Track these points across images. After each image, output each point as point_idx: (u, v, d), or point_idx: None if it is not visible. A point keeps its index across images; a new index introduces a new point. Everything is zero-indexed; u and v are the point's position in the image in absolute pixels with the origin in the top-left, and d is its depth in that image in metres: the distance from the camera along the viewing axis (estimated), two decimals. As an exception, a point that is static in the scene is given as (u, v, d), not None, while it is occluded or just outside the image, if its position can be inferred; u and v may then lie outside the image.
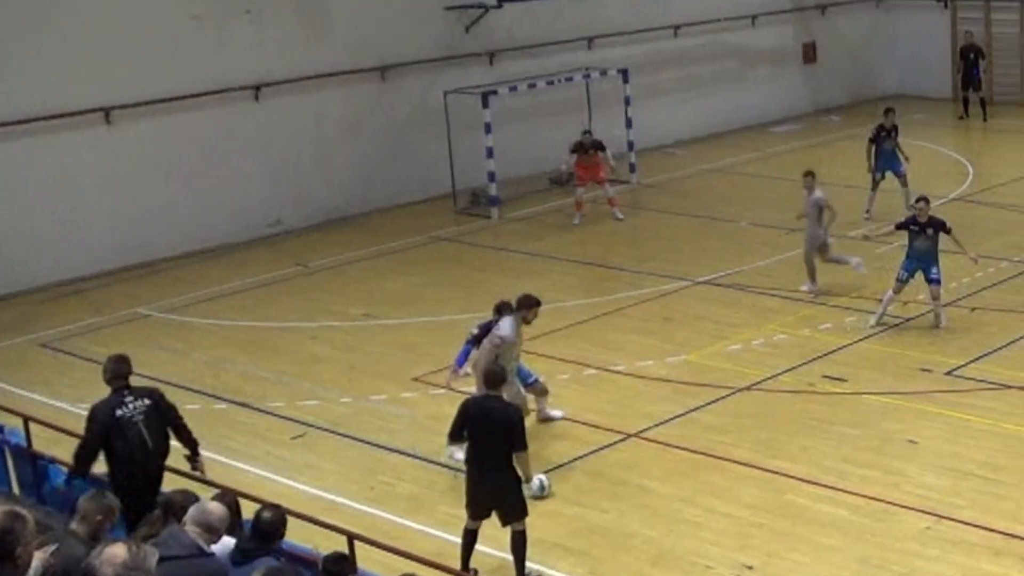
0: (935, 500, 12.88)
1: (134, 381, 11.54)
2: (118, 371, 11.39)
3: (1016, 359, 16.53)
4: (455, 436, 11.86)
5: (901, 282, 17.83)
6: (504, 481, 11.50)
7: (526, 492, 11.95)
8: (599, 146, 24.09)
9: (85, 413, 15.48)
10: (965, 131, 29.95)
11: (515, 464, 11.50)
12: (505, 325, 13.88)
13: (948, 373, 16.14)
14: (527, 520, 11.58)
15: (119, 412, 11.15)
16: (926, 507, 12.74)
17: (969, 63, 32.18)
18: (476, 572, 11.65)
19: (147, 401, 11.36)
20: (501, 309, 14.57)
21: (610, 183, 24.39)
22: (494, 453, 11.45)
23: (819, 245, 19.24)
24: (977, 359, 16.53)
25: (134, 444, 11.06)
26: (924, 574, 11.59)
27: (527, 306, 14.11)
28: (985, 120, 31.82)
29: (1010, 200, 23.94)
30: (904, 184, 23.22)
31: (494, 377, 11.88)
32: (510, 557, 11.65)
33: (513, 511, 11.55)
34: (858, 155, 24.04)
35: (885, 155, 23.48)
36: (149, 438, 11.22)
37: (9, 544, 5.83)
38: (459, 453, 12.77)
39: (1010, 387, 15.62)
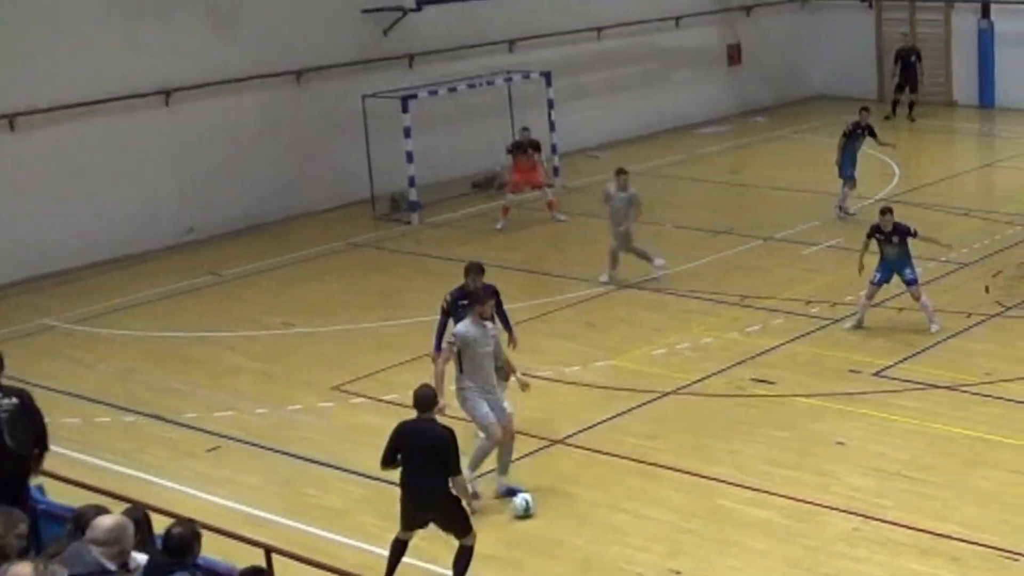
0: (862, 501, 13.07)
1: (41, 393, 11.44)
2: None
3: (942, 359, 16.81)
4: (388, 461, 11.62)
5: (874, 285, 17.84)
6: (440, 496, 11.46)
7: (511, 510, 12.63)
8: (537, 146, 24.25)
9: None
10: (892, 131, 30.24)
11: (451, 489, 11.46)
12: (460, 324, 13.51)
13: (876, 374, 16.37)
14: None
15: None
16: (854, 508, 12.92)
17: (907, 65, 32.47)
18: None
19: (14, 400, 11.39)
20: (470, 270, 14.86)
21: (548, 185, 24.62)
22: (429, 474, 11.39)
23: (625, 238, 20.15)
24: (904, 360, 16.78)
25: None
26: (852, 575, 11.75)
27: (477, 301, 13.54)
28: (913, 120, 32.26)
29: (936, 200, 24.32)
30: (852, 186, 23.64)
31: (424, 400, 11.64)
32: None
33: (454, 526, 11.53)
34: (783, 156, 24.68)
35: (853, 155, 23.77)
36: (9, 437, 11.23)
37: None
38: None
39: (937, 387, 15.88)
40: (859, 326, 17.93)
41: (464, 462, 11.92)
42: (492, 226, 24.23)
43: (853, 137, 23.81)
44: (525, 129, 24.78)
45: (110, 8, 23.32)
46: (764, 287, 19.83)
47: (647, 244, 20.64)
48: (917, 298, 17.79)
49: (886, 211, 18.06)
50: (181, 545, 9.05)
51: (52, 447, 14.65)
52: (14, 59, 21.99)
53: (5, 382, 11.50)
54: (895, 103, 32.68)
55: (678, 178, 27.89)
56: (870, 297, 17.93)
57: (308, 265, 22.29)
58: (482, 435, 13.48)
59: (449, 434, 11.52)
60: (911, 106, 32.39)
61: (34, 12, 22.33)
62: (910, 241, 17.77)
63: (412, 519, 11.62)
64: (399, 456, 11.58)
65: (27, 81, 22.14)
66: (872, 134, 23.86)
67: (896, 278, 17.83)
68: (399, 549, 11.70)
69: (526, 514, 13.09)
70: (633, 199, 20.27)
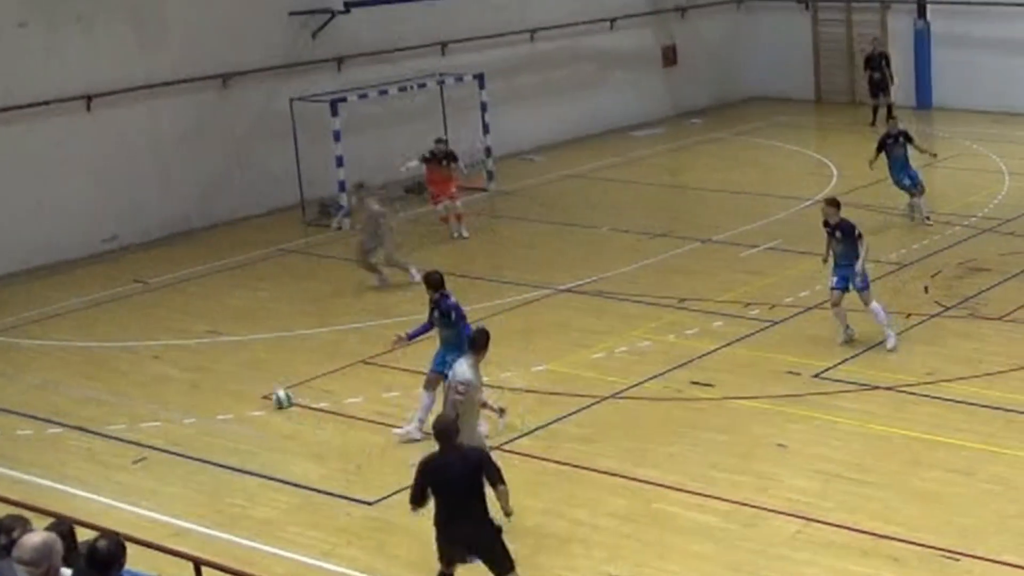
0: (804, 503, 13.12)
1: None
2: None
3: (881, 360, 16.91)
4: (418, 499, 11.02)
5: (834, 290, 17.39)
6: (480, 531, 11.01)
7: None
8: (452, 157, 24.03)
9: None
10: (840, 134, 30.40)
11: (498, 498, 11.02)
12: (464, 369, 12.60)
13: (815, 376, 16.45)
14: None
15: None
16: (795, 511, 12.96)
17: (878, 69, 32.17)
18: None
19: None
20: (431, 281, 14.98)
21: (460, 194, 24.29)
22: (464, 506, 10.94)
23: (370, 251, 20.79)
24: (843, 361, 16.87)
25: None
26: (795, 578, 11.81)
27: (482, 346, 12.83)
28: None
29: (874, 200, 24.46)
30: (919, 192, 23.23)
31: (444, 433, 11.06)
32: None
33: (494, 561, 11.08)
34: (720, 158, 24.74)
35: (899, 162, 23.33)
36: None
37: None
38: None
39: (876, 387, 15.98)
40: (850, 339, 17.45)
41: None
42: (427, 231, 24.13)
43: (889, 147, 23.30)
44: (440, 140, 24.46)
45: (30, 13, 23.06)
46: (702, 290, 19.90)
47: (587, 247, 20.54)
48: (867, 303, 17.42)
49: (830, 202, 17.77)
50: (106, 559, 8.95)
51: (-29, 461, 14.69)
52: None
53: None
54: (875, 109, 31.95)
55: (614, 181, 27.96)
56: (836, 304, 17.49)
57: (237, 272, 22.14)
58: None
59: (482, 455, 11.28)
60: (889, 109, 31.77)
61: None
62: (859, 243, 17.50)
63: (452, 556, 11.15)
64: (428, 491, 10.99)
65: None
66: (908, 139, 23.40)
67: None
68: None
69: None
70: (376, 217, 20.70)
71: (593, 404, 15.90)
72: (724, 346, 17.62)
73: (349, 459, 14.67)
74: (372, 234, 20.77)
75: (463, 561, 11.20)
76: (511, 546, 11.15)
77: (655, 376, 16.66)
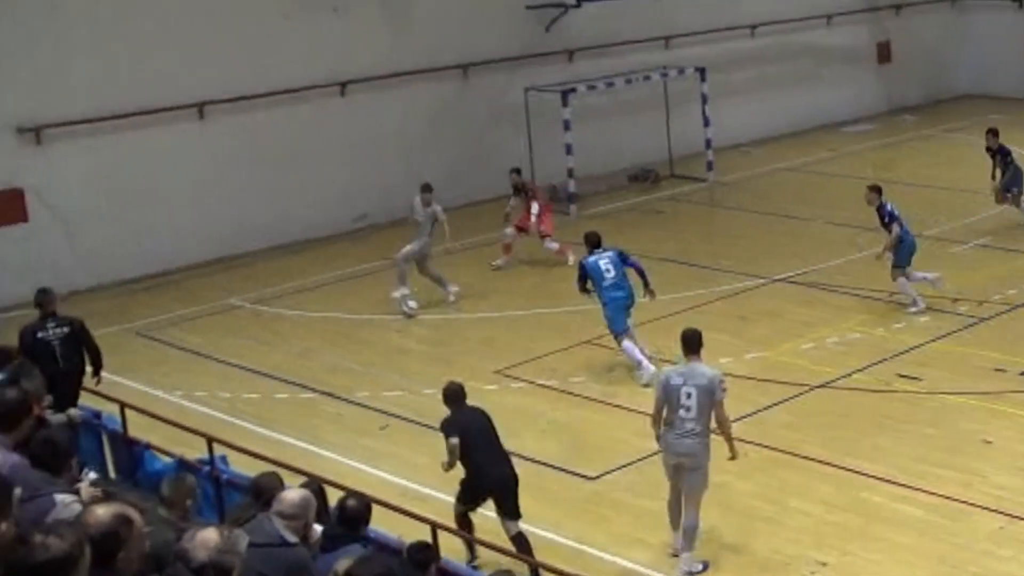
0: (1009, 500, 12.75)
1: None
2: (40, 300, 13.54)
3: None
4: (453, 463, 11.78)
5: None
6: (509, 475, 11.74)
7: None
8: (525, 190, 21.87)
9: (179, 401, 15.91)
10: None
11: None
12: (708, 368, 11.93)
13: (1022, 373, 15.92)
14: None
15: (40, 335, 13.19)
16: (1000, 507, 12.61)
17: None
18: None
19: (66, 328, 13.32)
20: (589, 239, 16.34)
21: (539, 226, 21.73)
22: (497, 449, 11.81)
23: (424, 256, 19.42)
24: (1052, 360, 16.32)
25: (46, 361, 12.65)
26: (997, 574, 11.48)
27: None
28: None
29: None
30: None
31: (456, 395, 12.06)
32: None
33: (511, 506, 11.66)
34: (931, 154, 24.06)
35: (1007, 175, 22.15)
36: (60, 358, 13.07)
37: (113, 546, 5.47)
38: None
39: (1085, 387, 15.42)
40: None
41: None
42: (645, 219, 24.06)
43: (996, 162, 22.31)
44: (515, 171, 22.16)
45: (292, 4, 23.68)
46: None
47: (800, 239, 20.19)
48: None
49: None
50: (355, 517, 9.19)
51: (235, 420, 15.27)
52: (203, 53, 22.49)
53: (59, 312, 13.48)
54: None
55: (827, 175, 27.44)
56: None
57: (472, 253, 22.39)
58: None
59: (484, 411, 12.15)
60: None
61: (219, 10, 22.80)
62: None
63: (477, 498, 11.83)
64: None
65: (214, 73, 22.64)
66: (993, 156, 22.22)
67: None
68: (469, 522, 11.80)
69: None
70: (435, 215, 19.31)
71: (803, 393, 15.70)
72: (932, 341, 17.19)
73: (576, 436, 14.78)
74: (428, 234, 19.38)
75: (485, 499, 11.80)
76: (722, 527, 11.15)
77: (863, 368, 16.34)
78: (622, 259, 16.78)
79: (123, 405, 12.97)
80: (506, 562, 10.42)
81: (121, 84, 21.59)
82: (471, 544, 11.66)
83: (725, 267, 20.89)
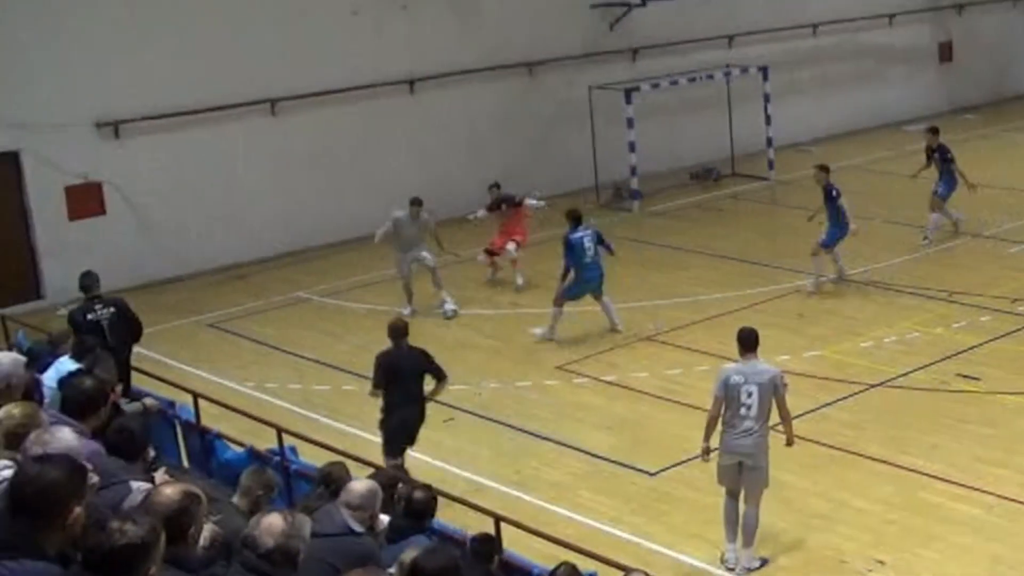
0: (1068, 502, 12.60)
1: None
2: (87, 283, 13.91)
3: None
4: (377, 385, 13.06)
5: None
6: (415, 416, 13.14)
7: None
8: (509, 200, 21.06)
9: (252, 392, 16.04)
10: None
11: (435, 391, 13.32)
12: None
13: (1084, 374, 15.73)
14: None
15: (89, 316, 13.52)
16: (1060, 509, 12.46)
17: None
18: None
19: (112, 308, 13.62)
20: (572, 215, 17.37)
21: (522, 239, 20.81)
22: (412, 392, 13.14)
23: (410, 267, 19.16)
24: (1112, 362, 16.07)
25: (97, 341, 12.77)
26: (1056, 576, 11.36)
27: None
28: None
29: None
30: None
31: (397, 331, 13.19)
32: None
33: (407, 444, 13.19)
34: (992, 154, 23.69)
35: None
36: (110, 336, 13.34)
37: (184, 523, 5.73)
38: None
39: None
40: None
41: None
42: (706, 216, 23.94)
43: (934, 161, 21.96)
44: (492, 186, 21.48)
45: (361, 2, 23.77)
46: (971, 284, 19.19)
47: (860, 237, 19.96)
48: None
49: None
50: (422, 509, 9.24)
51: (305, 412, 15.38)
52: (275, 49, 22.66)
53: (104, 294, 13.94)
54: None
55: (887, 174, 27.17)
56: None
57: (536, 249, 22.28)
58: None
59: (425, 353, 13.32)
60: None
61: (290, 7, 22.95)
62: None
63: (401, 444, 13.03)
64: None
65: (286, 70, 22.79)
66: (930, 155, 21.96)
67: None
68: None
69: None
70: (425, 225, 19.12)
71: (861, 391, 15.57)
72: (991, 340, 16.97)
73: (636, 431, 14.76)
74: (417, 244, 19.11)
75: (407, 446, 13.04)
76: (780, 524, 11.09)
77: (922, 367, 16.17)
78: (599, 239, 17.69)
79: (196, 395, 13.11)
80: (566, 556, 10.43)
81: (196, 80, 21.80)
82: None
83: (784, 265, 20.74)
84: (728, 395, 11.47)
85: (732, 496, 11.65)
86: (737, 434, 11.46)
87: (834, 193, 19.39)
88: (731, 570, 11.58)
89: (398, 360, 13.05)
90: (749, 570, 11.58)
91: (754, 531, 11.61)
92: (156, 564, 5.03)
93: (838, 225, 19.32)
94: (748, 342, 11.68)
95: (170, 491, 5.86)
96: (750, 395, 11.35)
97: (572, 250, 17.45)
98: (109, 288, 20.31)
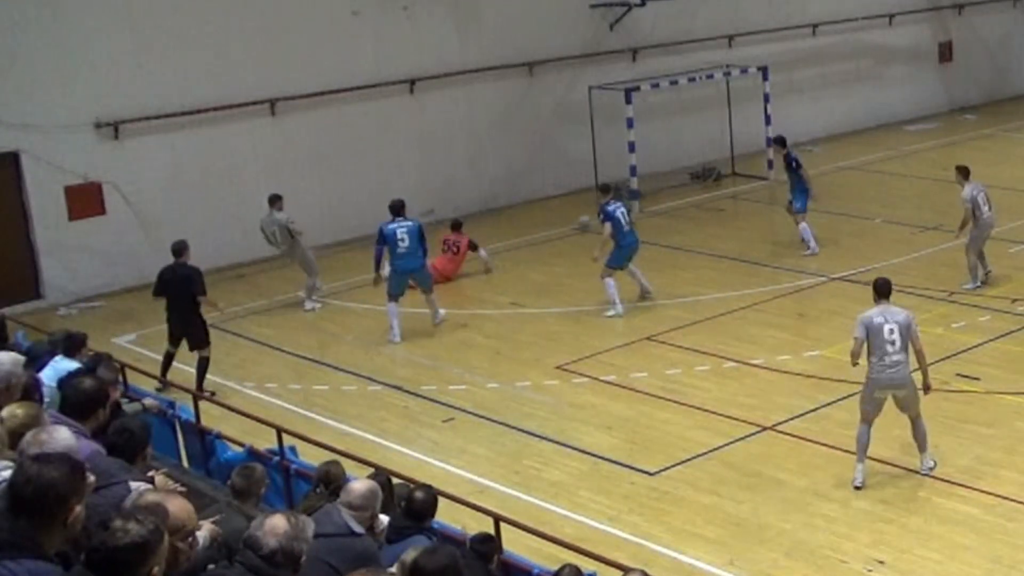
0: (1068, 502, 12.59)
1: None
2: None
3: None
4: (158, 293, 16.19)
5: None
6: (191, 320, 15.86)
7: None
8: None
9: (251, 392, 16.02)
10: None
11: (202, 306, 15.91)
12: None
13: (1082, 375, 15.72)
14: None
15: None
16: (1060, 509, 12.45)
17: None
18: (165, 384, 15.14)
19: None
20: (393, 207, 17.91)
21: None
22: (185, 302, 15.82)
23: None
24: (1112, 361, 16.06)
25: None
26: (1055, 575, 11.35)
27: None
28: None
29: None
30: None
31: (178, 250, 16.13)
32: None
33: (198, 341, 15.93)
34: (991, 154, 23.68)
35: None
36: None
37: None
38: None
39: None
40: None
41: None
42: (708, 216, 23.90)
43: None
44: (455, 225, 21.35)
45: (362, 1, 23.77)
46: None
47: (860, 237, 19.98)
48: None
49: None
50: (422, 509, 9.21)
51: (304, 412, 15.41)
52: (275, 50, 22.66)
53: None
54: None
55: (887, 173, 27.19)
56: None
57: (537, 248, 22.42)
58: None
59: (194, 271, 15.91)
60: None
61: (291, 7, 22.94)
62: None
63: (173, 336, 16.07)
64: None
65: (286, 70, 22.78)
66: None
67: None
68: (168, 359, 16.05)
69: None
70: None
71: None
72: (991, 340, 16.96)
73: (635, 431, 14.76)
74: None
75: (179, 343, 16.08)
76: (780, 524, 11.07)
77: (923, 367, 16.15)
78: (420, 234, 18.02)
79: (196, 395, 13.10)
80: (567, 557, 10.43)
81: (196, 80, 21.79)
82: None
83: (785, 265, 20.75)
84: (871, 335, 12.98)
85: (868, 423, 13.06)
86: (887, 368, 12.92)
87: (795, 164, 21.05)
88: (858, 488, 12.87)
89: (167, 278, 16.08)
90: (931, 468, 13.11)
91: (925, 435, 13.18)
92: (159, 563, 5.03)
93: (804, 191, 21.11)
94: (884, 288, 13.38)
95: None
96: (892, 331, 12.93)
97: (386, 240, 17.92)
98: (109, 288, 20.42)
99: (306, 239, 19.56)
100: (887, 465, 13.52)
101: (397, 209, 18.15)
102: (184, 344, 16.10)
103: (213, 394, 15.40)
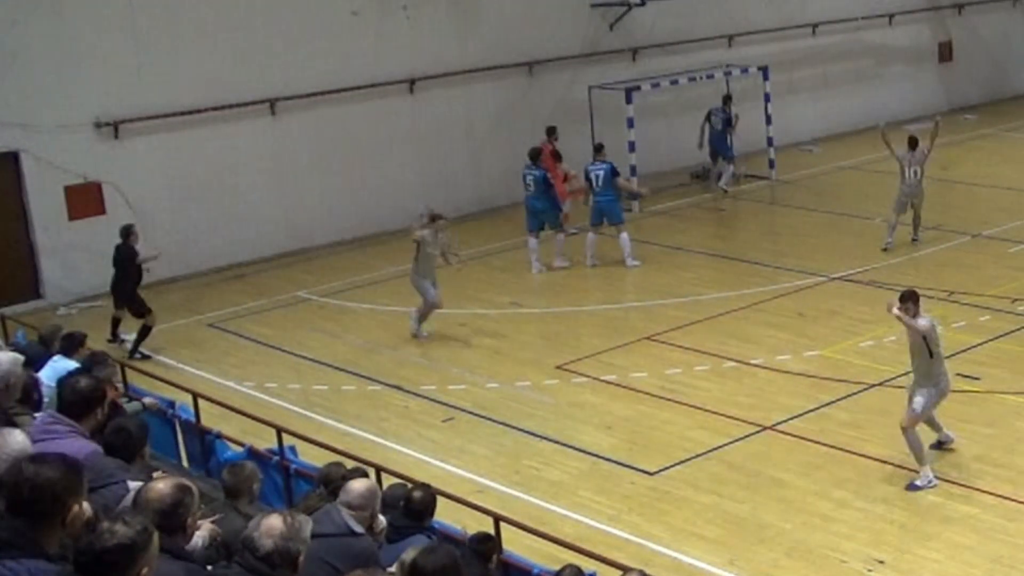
0: (1068, 501, 12.57)
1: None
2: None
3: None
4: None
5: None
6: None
7: None
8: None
9: (251, 392, 16.03)
10: None
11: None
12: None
13: (1082, 375, 15.71)
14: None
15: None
16: (1059, 508, 12.44)
17: None
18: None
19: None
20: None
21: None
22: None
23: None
24: (1114, 361, 16.03)
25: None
26: (1056, 576, 11.34)
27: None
28: None
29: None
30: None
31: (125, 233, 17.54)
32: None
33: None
34: (992, 153, 23.67)
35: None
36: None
37: (180, 516, 5.92)
38: None
39: None
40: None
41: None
42: (707, 215, 23.87)
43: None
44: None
45: (361, 2, 23.75)
46: (971, 284, 19.19)
47: (860, 237, 19.97)
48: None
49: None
50: (421, 509, 9.20)
51: (304, 412, 15.43)
52: (276, 51, 22.64)
53: None
54: None
55: (888, 173, 27.06)
56: None
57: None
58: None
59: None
60: None
61: (290, 7, 22.92)
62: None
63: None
64: None
65: (286, 70, 22.77)
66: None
67: None
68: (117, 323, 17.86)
69: None
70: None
71: (861, 391, 15.54)
72: (991, 340, 16.93)
73: (635, 431, 14.75)
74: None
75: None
76: (780, 524, 11.04)
77: (922, 367, 16.13)
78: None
79: (196, 395, 13.11)
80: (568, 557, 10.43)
81: (195, 80, 21.77)
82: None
83: (784, 265, 20.74)
84: (935, 343, 13.41)
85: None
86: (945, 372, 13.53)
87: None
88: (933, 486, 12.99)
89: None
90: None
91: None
92: (149, 565, 5.00)
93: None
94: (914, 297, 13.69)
95: (162, 486, 5.97)
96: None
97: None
98: (109, 287, 20.39)
99: (306, 239, 19.55)
100: (886, 464, 13.52)
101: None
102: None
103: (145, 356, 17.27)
